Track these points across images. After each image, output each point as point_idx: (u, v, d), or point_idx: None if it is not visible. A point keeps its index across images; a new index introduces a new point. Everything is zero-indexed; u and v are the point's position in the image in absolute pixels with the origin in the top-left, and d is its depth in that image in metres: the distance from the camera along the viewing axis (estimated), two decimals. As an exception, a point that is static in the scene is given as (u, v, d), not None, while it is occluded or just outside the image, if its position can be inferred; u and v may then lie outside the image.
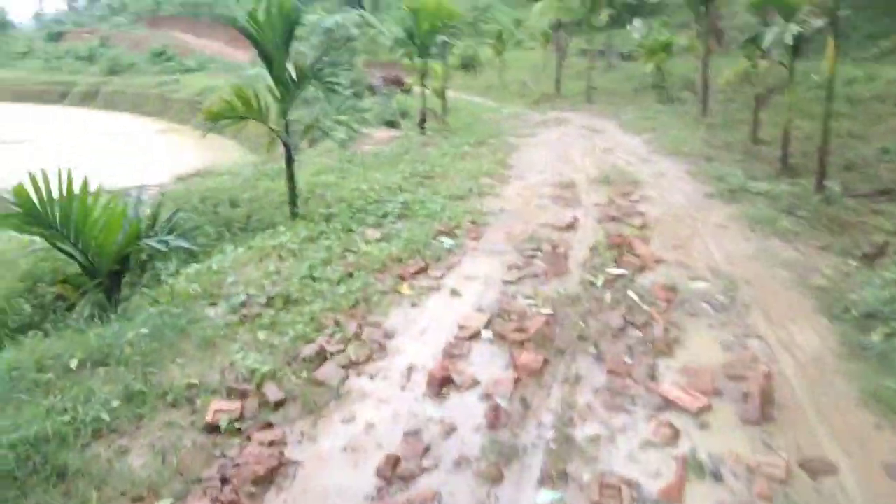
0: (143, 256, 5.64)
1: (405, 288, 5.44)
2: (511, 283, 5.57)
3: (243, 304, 5.04)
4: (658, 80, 19.00)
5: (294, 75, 7.66)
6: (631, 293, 5.16)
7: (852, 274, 5.46)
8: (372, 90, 22.09)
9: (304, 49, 26.91)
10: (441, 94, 17.71)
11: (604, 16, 23.72)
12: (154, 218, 5.44)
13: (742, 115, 14.93)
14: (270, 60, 7.65)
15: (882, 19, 18.68)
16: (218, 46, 44.07)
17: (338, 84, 7.48)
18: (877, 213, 7.46)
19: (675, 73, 20.50)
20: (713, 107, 15.34)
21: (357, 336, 4.51)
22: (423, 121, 13.87)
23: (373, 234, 6.99)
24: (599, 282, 5.43)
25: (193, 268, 6.10)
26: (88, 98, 39.16)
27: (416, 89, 17.40)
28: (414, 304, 5.16)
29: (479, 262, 6.16)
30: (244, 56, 34.58)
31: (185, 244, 5.17)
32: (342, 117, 7.74)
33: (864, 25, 18.05)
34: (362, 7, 42.79)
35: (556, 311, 4.86)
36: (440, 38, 13.46)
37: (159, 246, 4.93)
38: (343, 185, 9.72)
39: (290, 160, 8.04)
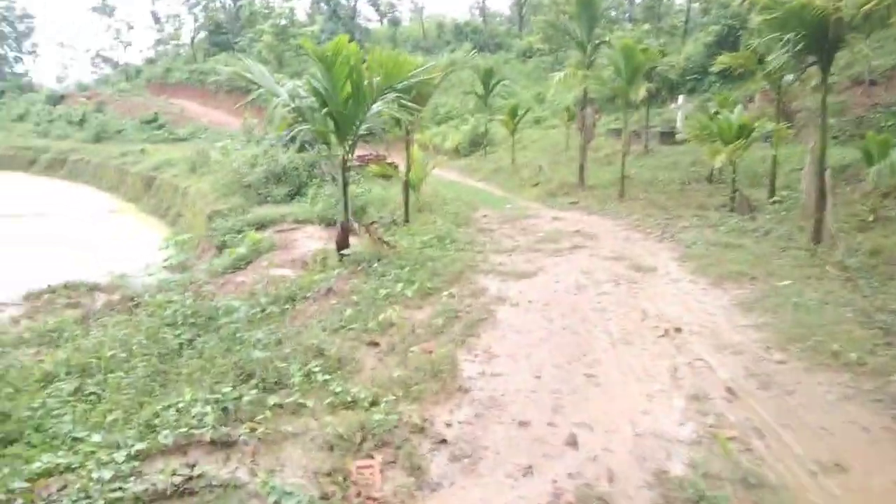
0: None
1: None
2: None
3: None
4: (727, 176, 13.25)
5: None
6: None
7: None
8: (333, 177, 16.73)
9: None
10: (406, 189, 12.18)
11: (642, 90, 18.42)
12: None
13: (866, 238, 8.85)
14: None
15: None
16: (219, 115, 40.71)
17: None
18: None
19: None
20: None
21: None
22: (342, 241, 8.14)
23: None
24: None
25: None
26: (55, 166, 35.05)
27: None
28: None
29: None
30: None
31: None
32: None
33: None
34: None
35: None
36: (375, 106, 7.94)
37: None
38: None
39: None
